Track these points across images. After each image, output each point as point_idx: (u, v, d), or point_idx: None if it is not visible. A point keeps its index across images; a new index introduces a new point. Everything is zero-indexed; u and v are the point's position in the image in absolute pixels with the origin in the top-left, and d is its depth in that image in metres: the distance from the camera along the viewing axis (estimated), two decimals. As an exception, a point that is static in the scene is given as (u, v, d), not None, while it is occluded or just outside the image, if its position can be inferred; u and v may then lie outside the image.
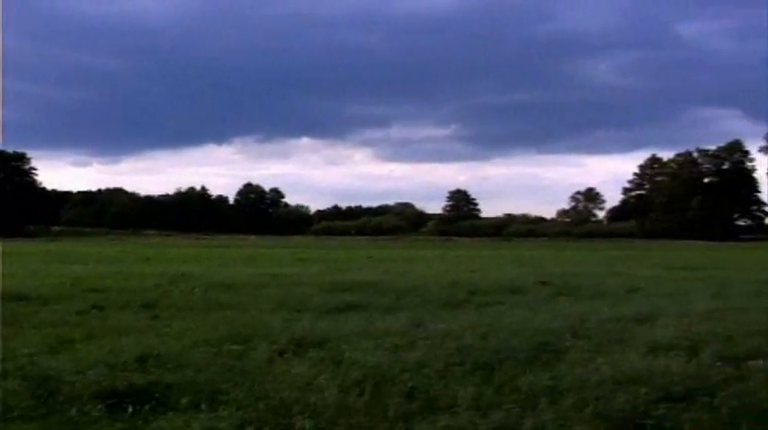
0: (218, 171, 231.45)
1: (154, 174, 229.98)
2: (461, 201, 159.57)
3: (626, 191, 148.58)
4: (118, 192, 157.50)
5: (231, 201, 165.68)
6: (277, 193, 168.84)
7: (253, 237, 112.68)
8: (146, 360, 9.27)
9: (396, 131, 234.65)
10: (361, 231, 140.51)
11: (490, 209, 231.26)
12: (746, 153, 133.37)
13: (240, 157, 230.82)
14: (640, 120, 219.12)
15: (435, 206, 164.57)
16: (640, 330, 11.98)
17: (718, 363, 9.27)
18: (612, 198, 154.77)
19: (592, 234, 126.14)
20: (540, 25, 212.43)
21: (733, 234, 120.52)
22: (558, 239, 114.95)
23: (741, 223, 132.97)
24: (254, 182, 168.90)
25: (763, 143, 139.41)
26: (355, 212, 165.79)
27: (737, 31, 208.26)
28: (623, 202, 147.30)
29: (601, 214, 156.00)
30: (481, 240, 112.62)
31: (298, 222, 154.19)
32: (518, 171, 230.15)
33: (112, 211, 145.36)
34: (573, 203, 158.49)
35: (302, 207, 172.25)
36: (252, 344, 10.52)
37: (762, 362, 9.24)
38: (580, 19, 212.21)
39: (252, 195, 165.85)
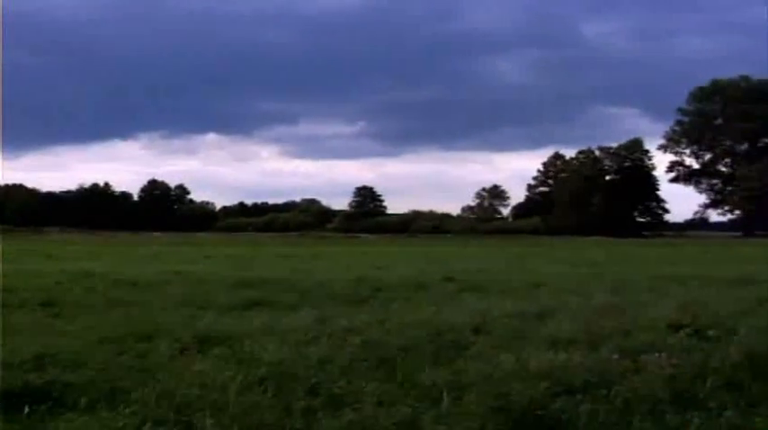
0: (124, 167, 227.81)
1: (57, 170, 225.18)
2: (367, 198, 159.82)
3: (530, 188, 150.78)
4: (18, 189, 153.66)
5: (135, 197, 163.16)
6: (182, 190, 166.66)
7: (157, 234, 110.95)
8: (43, 359, 9.06)
9: (303, 128, 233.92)
10: (267, 228, 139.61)
11: (397, 205, 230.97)
12: (646, 151, 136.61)
13: (146, 153, 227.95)
14: (544, 118, 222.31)
15: (342, 203, 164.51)
16: (542, 325, 12.17)
17: (616, 357, 9.48)
18: (517, 195, 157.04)
19: (497, 230, 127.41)
20: (446, 23, 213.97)
21: (633, 230, 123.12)
22: (463, 236, 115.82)
23: (641, 220, 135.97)
24: (160, 178, 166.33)
25: (662, 141, 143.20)
26: (261, 209, 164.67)
27: (639, 31, 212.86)
28: (527, 199, 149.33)
29: (505, 211, 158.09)
30: (387, 237, 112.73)
31: (203, 219, 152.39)
32: (425, 168, 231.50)
33: (12, 208, 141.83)
34: (478, 200, 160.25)
35: (208, 203, 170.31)
36: (154, 342, 10.42)
37: (657, 355, 9.48)
38: (485, 18, 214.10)
39: (156, 192, 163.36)
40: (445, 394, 7.60)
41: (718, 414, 7.38)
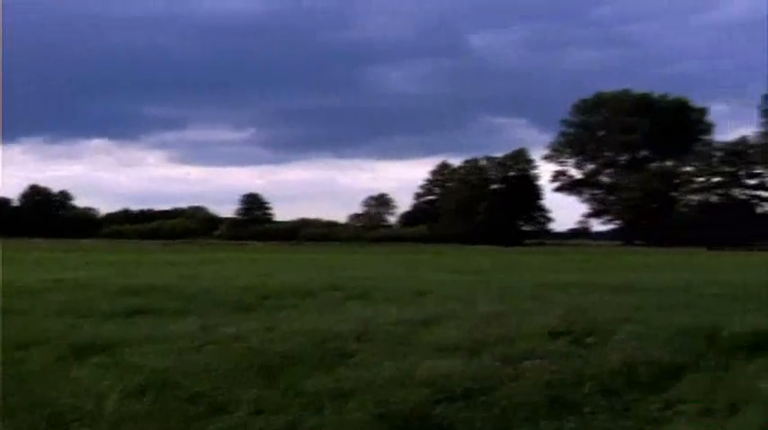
0: (4, 172, 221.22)
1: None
2: (254, 205, 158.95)
3: (417, 196, 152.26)
4: None
5: (16, 203, 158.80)
6: (65, 196, 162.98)
7: (39, 241, 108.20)
8: None
9: (192, 134, 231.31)
10: (152, 235, 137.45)
11: (286, 212, 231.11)
12: (531, 161, 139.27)
13: (28, 158, 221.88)
14: (434, 128, 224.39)
15: (229, 210, 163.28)
16: (426, 333, 12.25)
17: (498, 364, 9.62)
18: (405, 203, 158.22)
19: (384, 238, 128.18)
20: (338, 32, 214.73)
21: (518, 239, 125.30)
22: (350, 243, 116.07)
23: (526, 228, 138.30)
24: (43, 183, 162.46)
25: (546, 151, 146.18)
26: (147, 216, 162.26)
27: (528, 43, 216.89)
28: (415, 208, 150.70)
29: (393, 219, 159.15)
30: (275, 244, 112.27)
31: (86, 226, 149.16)
32: (314, 175, 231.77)
33: None
34: (365, 208, 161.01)
35: (91, 210, 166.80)
36: (30, 351, 10.16)
37: (537, 361, 9.65)
38: (377, 27, 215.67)
39: (37, 197, 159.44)
40: (327, 402, 7.62)
41: (592, 418, 7.58)
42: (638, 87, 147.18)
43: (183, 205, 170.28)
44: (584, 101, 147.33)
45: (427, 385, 8.26)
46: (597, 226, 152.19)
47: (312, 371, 9.14)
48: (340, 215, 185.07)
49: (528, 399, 8.05)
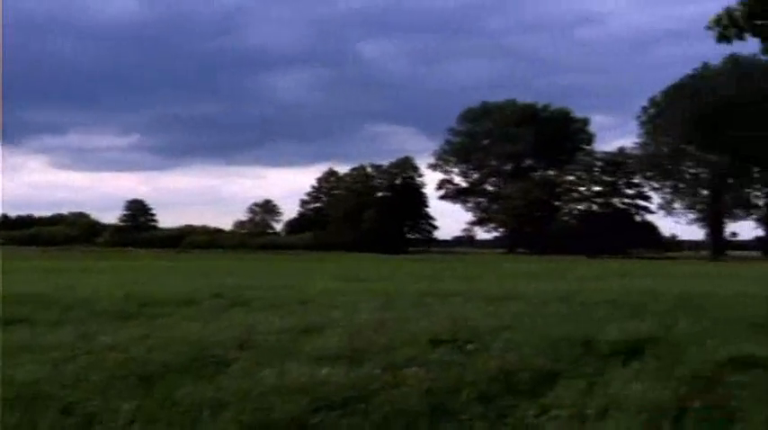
0: None
1: None
2: (138, 212, 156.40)
3: (303, 203, 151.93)
4: None
5: None
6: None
7: None
8: None
9: (75, 139, 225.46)
10: (31, 241, 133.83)
11: (171, 219, 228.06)
12: (417, 169, 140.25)
13: None
14: (321, 135, 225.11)
15: (112, 216, 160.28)
16: (307, 341, 12.20)
17: (378, 372, 9.65)
18: (292, 210, 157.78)
19: (269, 245, 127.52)
20: (226, 39, 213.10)
21: (403, 246, 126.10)
22: (236, 251, 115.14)
23: (411, 236, 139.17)
24: None
25: (432, 160, 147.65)
26: (27, 222, 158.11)
27: (416, 52, 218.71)
28: (301, 215, 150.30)
29: (279, 226, 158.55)
30: (159, 251, 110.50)
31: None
32: (201, 182, 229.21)
33: None
34: (250, 215, 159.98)
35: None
36: None
37: (417, 369, 9.71)
38: (265, 34, 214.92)
39: None
40: (204, 411, 7.53)
41: (469, 425, 7.67)
42: (524, 98, 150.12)
43: (65, 211, 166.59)
44: (470, 110, 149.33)
45: (306, 393, 8.24)
46: (482, 234, 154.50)
47: (191, 380, 9.02)
48: (226, 222, 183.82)
49: (407, 407, 8.10)
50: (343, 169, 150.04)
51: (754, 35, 10.32)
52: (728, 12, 9.96)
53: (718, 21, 10.15)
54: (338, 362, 10.19)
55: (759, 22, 10.17)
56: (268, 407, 7.64)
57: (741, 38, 10.11)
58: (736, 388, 9.32)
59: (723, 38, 10.25)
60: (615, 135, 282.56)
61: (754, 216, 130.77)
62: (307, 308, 18.76)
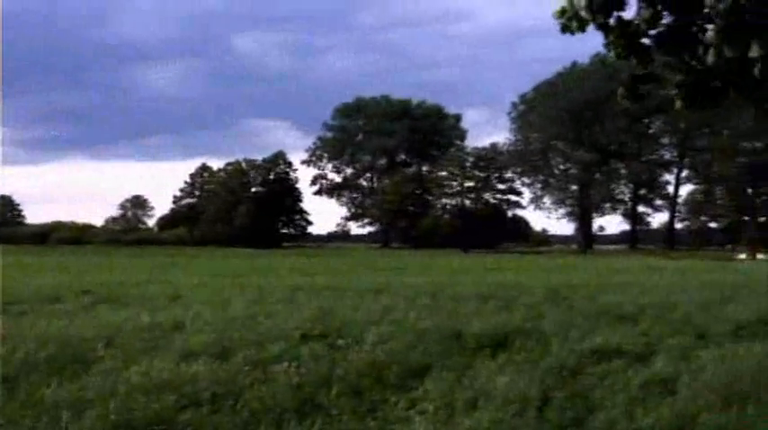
0: None
1: None
2: (4, 207, 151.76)
3: (177, 199, 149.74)
4: None
5: None
6: None
7: None
8: None
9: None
10: None
11: (39, 215, 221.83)
12: (290, 164, 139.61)
13: None
14: (195, 129, 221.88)
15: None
16: (177, 337, 12.00)
17: (247, 368, 9.56)
18: (164, 205, 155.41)
19: (141, 241, 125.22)
20: (97, 30, 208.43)
21: (277, 242, 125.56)
22: (107, 247, 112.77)
23: (285, 231, 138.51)
24: None
25: (306, 155, 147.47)
26: None
27: (291, 46, 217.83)
28: (174, 210, 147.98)
29: (151, 221, 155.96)
30: (25, 247, 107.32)
31: None
32: (70, 176, 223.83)
33: None
34: (122, 211, 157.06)
35: None
36: None
37: (286, 364, 9.66)
38: (138, 26, 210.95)
39: None
40: (66, 411, 7.33)
41: (338, 420, 7.66)
42: (399, 93, 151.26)
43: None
44: (345, 105, 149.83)
45: (173, 391, 8.11)
46: (356, 229, 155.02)
47: (54, 379, 8.77)
48: (96, 218, 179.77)
49: (276, 403, 8.05)
50: (217, 164, 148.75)
51: (598, 28, 10.54)
52: (572, 3, 10.13)
53: (562, 12, 10.32)
54: (206, 358, 10.05)
55: (600, 16, 10.38)
56: (133, 405, 7.48)
57: (583, 30, 10.30)
58: (598, 378, 9.56)
59: (566, 29, 10.42)
60: (490, 130, 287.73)
61: (620, 211, 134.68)
62: (177, 303, 18.48)
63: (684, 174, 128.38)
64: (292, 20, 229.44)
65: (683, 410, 7.98)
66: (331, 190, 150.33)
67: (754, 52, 9.14)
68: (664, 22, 10.73)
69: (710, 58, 9.80)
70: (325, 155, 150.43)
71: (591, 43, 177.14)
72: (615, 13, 10.50)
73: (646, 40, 10.82)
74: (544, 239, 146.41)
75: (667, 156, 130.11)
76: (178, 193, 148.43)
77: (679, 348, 11.90)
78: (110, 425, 6.96)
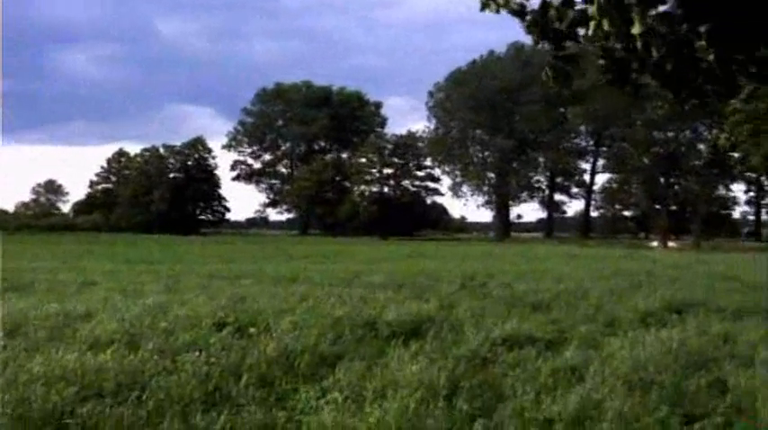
0: None
1: None
2: None
3: (92, 184, 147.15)
4: None
5: None
6: None
7: None
8: None
9: None
10: None
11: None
12: (210, 150, 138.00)
13: None
14: (116, 114, 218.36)
15: None
16: (84, 326, 11.76)
17: (156, 357, 9.39)
18: (80, 191, 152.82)
19: (55, 227, 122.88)
20: (15, 10, 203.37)
21: (195, 228, 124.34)
22: (19, 233, 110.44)
23: (204, 218, 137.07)
24: None
25: (226, 141, 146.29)
26: None
27: (216, 32, 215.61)
28: (89, 196, 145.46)
29: (66, 207, 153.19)
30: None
31: None
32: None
33: None
34: (34, 196, 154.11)
35: None
36: None
37: (196, 354, 9.52)
38: (58, 8, 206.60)
39: None
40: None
41: (246, 410, 7.56)
42: (323, 80, 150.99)
43: None
44: (265, 91, 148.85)
45: (75, 382, 7.91)
46: (275, 215, 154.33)
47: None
48: (8, 203, 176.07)
49: (183, 393, 7.91)
50: (136, 150, 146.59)
51: (513, 14, 10.57)
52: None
53: None
54: (114, 347, 9.85)
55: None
56: (32, 397, 7.28)
57: (506, 7, 10.34)
58: (509, 366, 9.62)
59: (486, 7, 10.44)
60: (415, 118, 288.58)
61: (537, 199, 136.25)
62: (88, 291, 18.17)
63: (600, 163, 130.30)
64: (217, 5, 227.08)
65: (591, 397, 8.07)
66: (250, 176, 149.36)
67: (636, 29, 9.20)
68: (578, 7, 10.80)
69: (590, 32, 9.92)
70: (245, 140, 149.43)
71: (513, 32, 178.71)
72: None
73: (560, 26, 10.88)
74: (462, 227, 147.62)
75: (584, 144, 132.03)
76: (94, 178, 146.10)
77: (589, 336, 12.06)
78: (7, 419, 6.76)
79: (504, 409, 7.79)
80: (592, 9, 9.87)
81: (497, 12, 10.59)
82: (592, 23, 9.92)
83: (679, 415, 7.63)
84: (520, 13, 10.80)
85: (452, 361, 9.68)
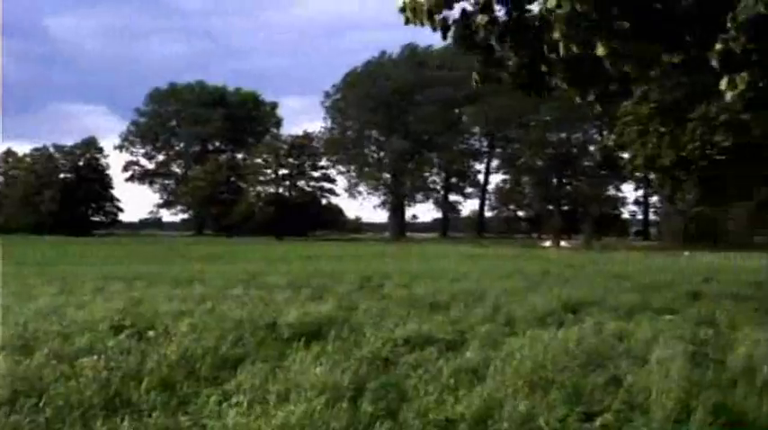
0: None
1: None
2: None
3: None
4: None
5: None
6: None
7: None
8: None
9: None
10: None
11: None
12: (101, 149, 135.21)
13: None
14: (3, 113, 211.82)
15: None
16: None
17: (53, 362, 9.17)
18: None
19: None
20: None
21: (87, 229, 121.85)
22: None
23: (96, 219, 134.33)
24: None
25: (119, 141, 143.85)
26: None
27: (110, 30, 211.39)
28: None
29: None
30: None
31: None
32: None
33: None
34: None
35: None
36: None
37: (94, 358, 9.32)
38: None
39: None
40: None
41: (148, 415, 7.45)
42: (221, 80, 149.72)
43: None
44: (158, 91, 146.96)
45: (-34, 390, 7.70)
46: (169, 216, 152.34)
47: None
48: None
49: (83, 399, 7.74)
50: (25, 150, 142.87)
51: (435, 25, 10.78)
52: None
53: (403, 8, 10.54)
54: (7, 353, 9.59)
55: (438, 17, 10.64)
56: None
57: (425, 23, 10.58)
58: (411, 367, 9.67)
59: (409, 22, 10.67)
60: (312, 118, 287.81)
61: (432, 199, 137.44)
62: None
63: (494, 163, 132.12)
64: (111, 3, 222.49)
65: (492, 397, 8.16)
66: (143, 176, 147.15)
67: (600, 51, 9.55)
68: (500, 16, 11.08)
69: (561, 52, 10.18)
70: (138, 141, 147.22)
71: (408, 33, 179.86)
72: (458, 7, 10.82)
73: (484, 34, 11.14)
74: (358, 227, 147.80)
75: (478, 145, 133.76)
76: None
77: (489, 336, 12.20)
78: None
79: (408, 410, 7.83)
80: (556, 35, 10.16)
81: (421, 25, 10.82)
82: (561, 45, 10.20)
83: (578, 412, 7.76)
84: (443, 28, 11.02)
85: (356, 362, 9.69)
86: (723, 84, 9.32)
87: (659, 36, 10.48)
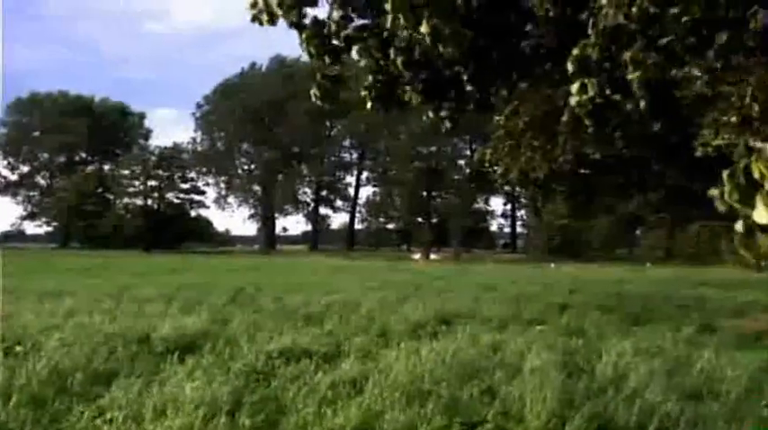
0: None
1: None
2: None
3: None
4: None
5: None
6: None
7: None
8: None
9: None
10: None
11: None
12: None
13: None
14: None
15: None
16: None
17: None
18: None
19: None
20: None
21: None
22: None
23: None
24: None
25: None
26: None
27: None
28: None
29: None
30: None
31: None
32: None
33: None
34: None
35: None
36: None
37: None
38: None
39: None
40: None
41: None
42: (90, 90, 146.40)
43: None
44: (18, 100, 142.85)
45: None
46: (32, 228, 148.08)
47: None
48: None
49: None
50: None
51: (290, 26, 10.76)
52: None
53: (254, 4, 10.48)
54: None
55: (293, 13, 10.62)
56: None
57: (273, 23, 10.52)
58: (288, 380, 9.65)
59: (256, 20, 10.58)
60: (183, 129, 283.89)
61: (302, 211, 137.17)
62: None
63: (364, 176, 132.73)
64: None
65: (371, 409, 8.20)
66: (6, 188, 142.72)
67: (425, 28, 9.58)
68: (354, 23, 11.10)
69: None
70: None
71: (286, 44, 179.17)
72: (309, 12, 10.76)
73: (338, 41, 11.13)
74: (227, 239, 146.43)
75: (348, 158, 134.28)
76: None
77: (365, 348, 12.26)
78: None
79: (287, 423, 7.82)
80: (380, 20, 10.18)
81: (271, 24, 10.72)
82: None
83: (456, 423, 7.87)
84: (298, 25, 10.98)
85: (232, 376, 9.62)
86: (574, 88, 9.47)
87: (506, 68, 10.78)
